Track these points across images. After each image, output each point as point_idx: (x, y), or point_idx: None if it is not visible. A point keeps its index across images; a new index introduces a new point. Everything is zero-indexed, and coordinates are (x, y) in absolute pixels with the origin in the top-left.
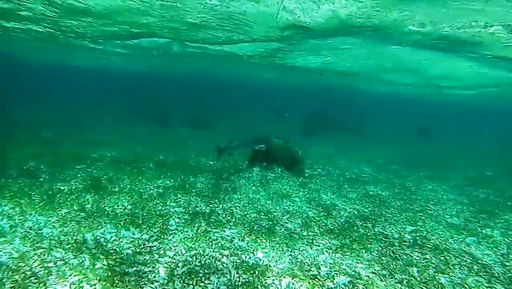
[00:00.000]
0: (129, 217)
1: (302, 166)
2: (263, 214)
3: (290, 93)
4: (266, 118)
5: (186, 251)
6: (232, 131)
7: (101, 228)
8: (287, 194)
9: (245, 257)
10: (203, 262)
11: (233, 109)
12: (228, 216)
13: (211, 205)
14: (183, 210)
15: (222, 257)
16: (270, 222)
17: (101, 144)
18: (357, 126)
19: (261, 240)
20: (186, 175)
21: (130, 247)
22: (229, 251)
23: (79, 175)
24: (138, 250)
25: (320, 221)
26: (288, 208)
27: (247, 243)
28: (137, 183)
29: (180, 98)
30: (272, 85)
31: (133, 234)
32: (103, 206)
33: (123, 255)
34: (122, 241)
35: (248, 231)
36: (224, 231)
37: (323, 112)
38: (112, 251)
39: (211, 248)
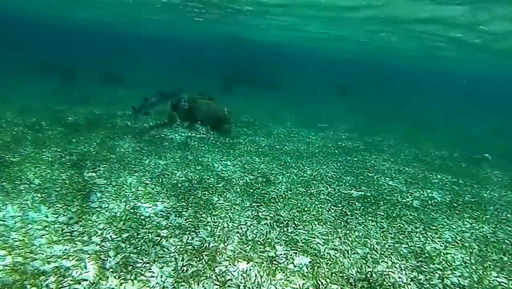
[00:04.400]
0: (38, 195)
1: (229, 125)
2: (195, 182)
3: (207, 46)
4: (182, 72)
5: (116, 235)
6: (147, 86)
7: None
8: (217, 158)
9: (188, 238)
10: (139, 248)
11: (147, 63)
12: (158, 186)
13: (136, 174)
14: (105, 182)
15: (161, 239)
16: (206, 192)
17: None
18: (275, 81)
19: (200, 214)
20: (103, 139)
21: (44, 235)
22: (167, 231)
23: None
24: (54, 238)
25: (261, 189)
26: (222, 173)
27: (185, 220)
28: (44, 150)
29: (90, 51)
30: (188, 37)
31: (46, 216)
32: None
33: (34, 247)
34: (31, 228)
35: (184, 204)
36: (156, 205)
37: (240, 67)
38: (17, 243)
39: (146, 228)
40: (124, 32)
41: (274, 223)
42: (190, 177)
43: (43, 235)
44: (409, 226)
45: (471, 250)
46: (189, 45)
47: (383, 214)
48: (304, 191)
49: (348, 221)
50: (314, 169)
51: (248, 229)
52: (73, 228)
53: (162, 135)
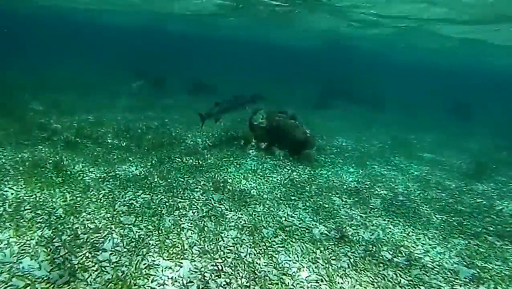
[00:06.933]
0: (49, 232)
1: (311, 151)
2: (247, 232)
3: (301, 54)
4: (275, 81)
5: None
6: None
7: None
8: (287, 196)
9: None
10: None
11: (238, 72)
12: (195, 233)
13: (177, 212)
14: (132, 222)
15: None
16: (255, 249)
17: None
18: (380, 100)
19: (234, 288)
20: (161, 158)
21: None
22: None
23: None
24: None
25: (331, 250)
26: (285, 221)
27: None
28: (92, 169)
29: (178, 58)
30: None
31: (39, 268)
32: (22, 208)
33: None
34: (12, 284)
35: (218, 267)
36: (181, 265)
37: (337, 79)
38: None
39: None
40: (218, 39)
41: None
42: (242, 224)
43: None
44: None
45: None
46: (286, 53)
47: None
48: (389, 260)
49: None
50: (410, 223)
51: None
52: None
53: (231, 159)
